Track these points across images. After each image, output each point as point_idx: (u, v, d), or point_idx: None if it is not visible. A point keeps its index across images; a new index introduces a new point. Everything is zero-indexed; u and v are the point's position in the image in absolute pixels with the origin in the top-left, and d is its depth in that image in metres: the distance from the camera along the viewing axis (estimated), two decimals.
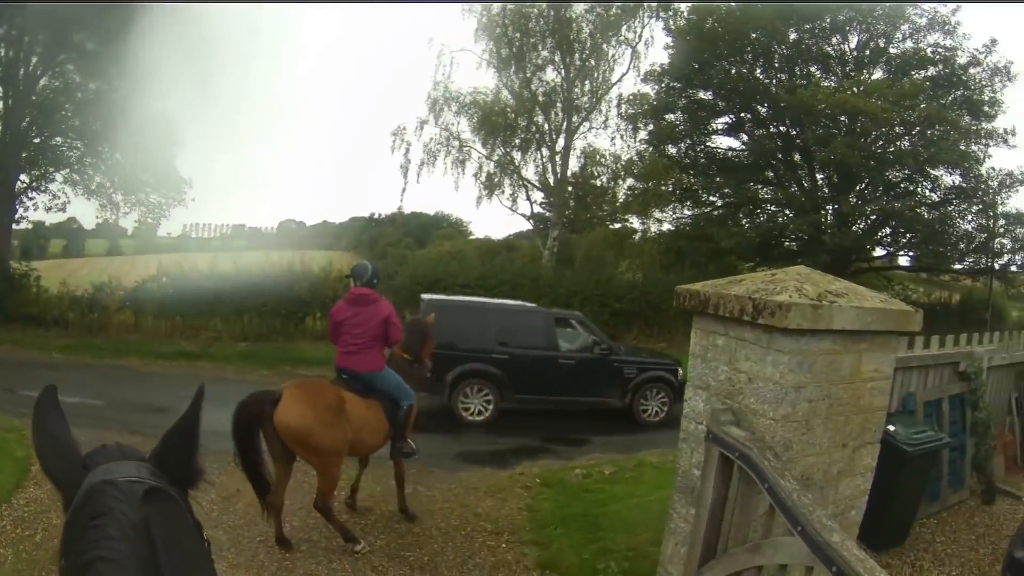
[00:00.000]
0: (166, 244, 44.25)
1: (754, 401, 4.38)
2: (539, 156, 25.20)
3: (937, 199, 24.42)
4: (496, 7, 23.72)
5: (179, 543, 1.34)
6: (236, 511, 7.06)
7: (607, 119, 25.60)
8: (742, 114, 26.22)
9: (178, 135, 21.58)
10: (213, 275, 20.02)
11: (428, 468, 9.27)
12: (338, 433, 6.39)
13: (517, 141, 24.74)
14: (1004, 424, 9.16)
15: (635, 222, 27.52)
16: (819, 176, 25.34)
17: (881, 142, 23.15)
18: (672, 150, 26.90)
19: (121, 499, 1.31)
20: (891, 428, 6.32)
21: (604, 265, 24.91)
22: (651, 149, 26.31)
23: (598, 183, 26.59)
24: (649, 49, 25.17)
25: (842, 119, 23.07)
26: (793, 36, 24.47)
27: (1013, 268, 25.00)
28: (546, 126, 24.86)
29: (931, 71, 23.46)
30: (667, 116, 26.60)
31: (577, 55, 24.02)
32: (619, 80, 25.13)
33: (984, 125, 23.13)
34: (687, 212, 27.59)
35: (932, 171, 23.59)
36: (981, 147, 23.07)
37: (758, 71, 25.52)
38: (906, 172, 23.77)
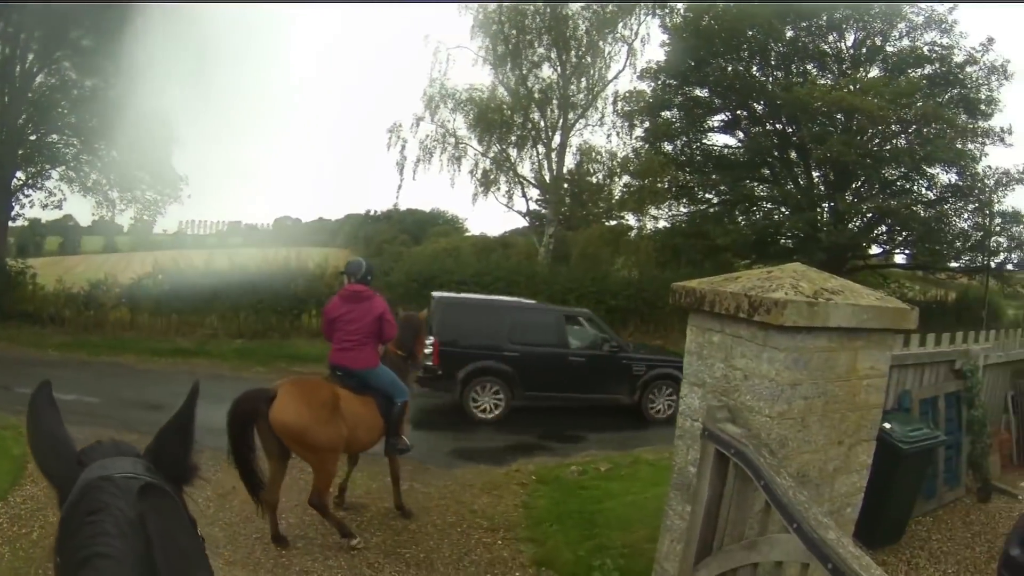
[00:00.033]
0: (162, 241, 44.30)
1: (750, 398, 4.39)
2: (535, 153, 25.22)
3: (933, 197, 24.41)
4: (492, 4, 23.73)
5: (175, 539, 1.33)
6: (232, 508, 7.06)
7: (603, 116, 25.62)
8: (738, 111, 26.23)
9: (174, 132, 21.55)
10: (209, 272, 20.05)
11: (424, 465, 9.27)
12: (334, 430, 6.39)
13: (513, 138, 24.68)
14: (1000, 422, 9.20)
15: (631, 219, 27.50)
16: (815, 174, 25.33)
17: (877, 140, 23.14)
18: (668, 147, 26.90)
19: (117, 495, 1.31)
20: (887, 426, 6.33)
21: (600, 262, 24.91)
22: (647, 146, 26.29)
23: (594, 180, 26.51)
24: (645, 46, 25.11)
25: (838, 117, 23.06)
26: (790, 34, 24.48)
27: (1009, 266, 25.03)
28: (542, 123, 24.83)
29: (928, 69, 23.47)
30: (663, 113, 26.60)
31: (573, 52, 23.98)
32: (615, 77, 25.16)
33: (980, 123, 23.14)
34: (683, 209, 27.61)
35: (928, 169, 23.60)
36: (977, 145, 23.09)
37: (754, 68, 25.53)
38: (902, 170, 23.77)
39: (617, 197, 26.40)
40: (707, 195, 27.37)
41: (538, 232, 26.22)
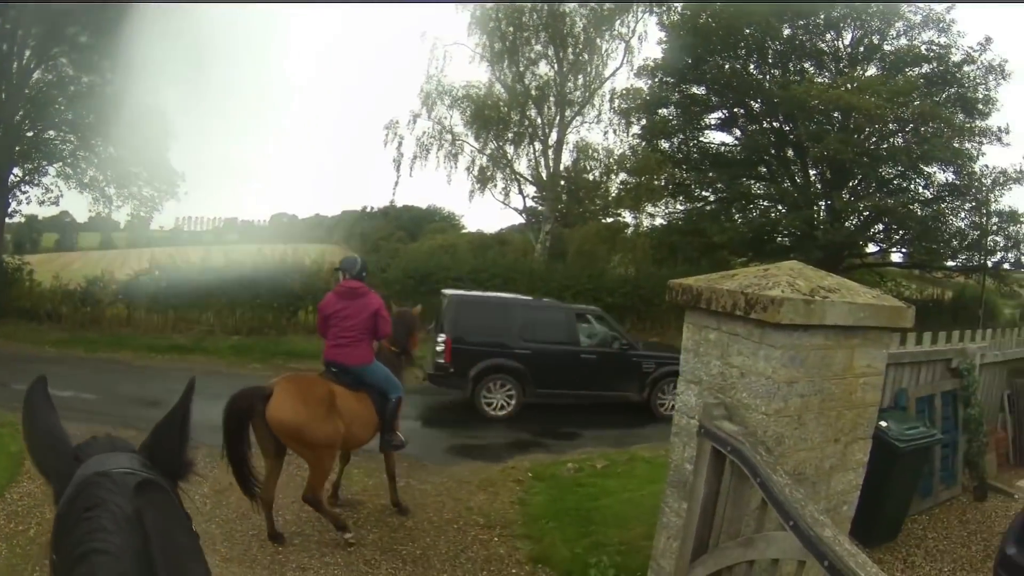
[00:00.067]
0: (159, 237, 44.10)
1: (746, 396, 4.39)
2: (532, 150, 25.17)
3: (930, 196, 24.35)
4: (490, 3, 23.70)
5: (172, 535, 1.33)
6: (229, 505, 7.06)
7: (600, 114, 25.59)
8: (735, 109, 26.18)
9: (171, 128, 21.50)
10: (206, 268, 20.00)
11: (420, 462, 9.30)
12: (331, 427, 6.40)
13: (510, 135, 24.65)
14: (996, 421, 9.22)
15: (627, 217, 27.43)
16: (812, 172, 25.28)
17: (874, 139, 23.12)
18: (665, 145, 26.83)
19: (114, 491, 1.30)
20: (883, 424, 6.34)
21: (596, 259, 24.86)
22: (644, 144, 26.21)
23: (591, 177, 26.48)
24: (643, 44, 25.21)
25: (835, 115, 23.03)
26: (787, 32, 24.41)
27: (1006, 266, 24.99)
28: (539, 120, 24.79)
29: (925, 68, 23.41)
30: (660, 111, 26.52)
31: (570, 49, 23.95)
32: (612, 75, 25.14)
33: (978, 123, 23.10)
34: (680, 207, 27.50)
35: (925, 168, 23.53)
36: (975, 145, 23.02)
37: (752, 67, 25.47)
38: (899, 169, 23.73)
39: (614, 194, 26.38)
40: (704, 193, 27.30)
41: (534, 229, 26.19)
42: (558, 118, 24.79)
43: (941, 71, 23.13)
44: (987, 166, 23.20)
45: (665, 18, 25.04)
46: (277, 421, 6.17)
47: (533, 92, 24.41)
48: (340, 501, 7.56)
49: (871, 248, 26.43)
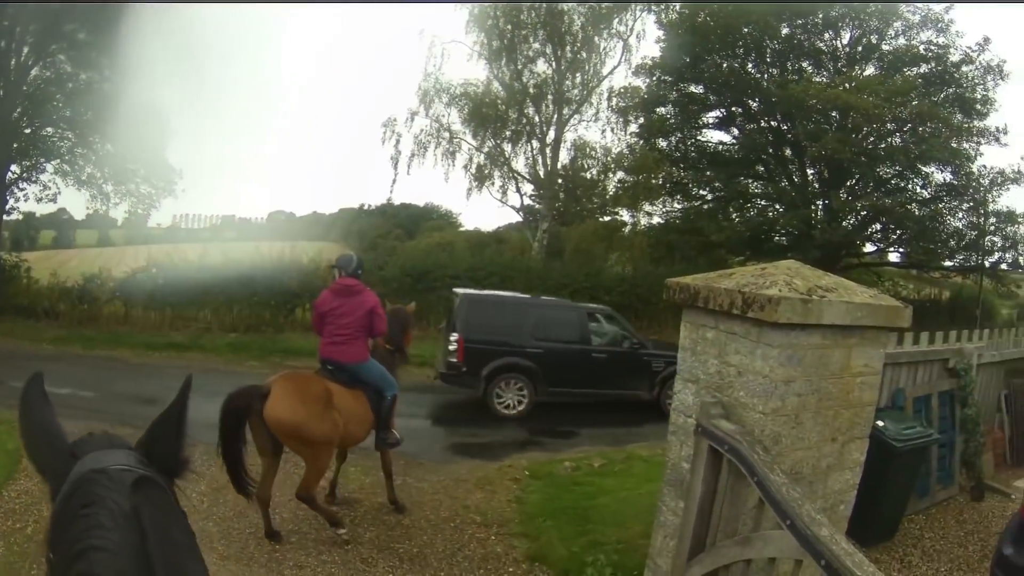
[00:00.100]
0: (156, 235, 43.97)
1: (744, 395, 4.39)
2: (529, 148, 25.15)
3: (928, 196, 24.39)
4: (489, 2, 23.68)
5: (169, 532, 1.33)
6: (226, 503, 7.04)
7: (598, 112, 25.55)
8: (733, 108, 26.21)
9: (169, 126, 21.49)
10: (203, 266, 19.99)
11: (417, 460, 9.30)
12: (330, 424, 6.40)
13: (507, 133, 24.62)
14: (993, 421, 9.22)
15: (625, 215, 27.48)
16: (810, 171, 25.31)
17: (872, 138, 23.13)
18: (663, 144, 26.84)
19: (112, 488, 1.30)
20: (880, 423, 6.34)
21: (594, 258, 24.88)
22: (642, 142, 26.22)
23: (588, 176, 26.56)
24: (641, 42, 24.98)
25: (833, 115, 23.07)
26: (785, 31, 24.42)
27: (1003, 266, 25.02)
28: (537, 118, 24.78)
29: (923, 68, 23.43)
30: (658, 109, 26.54)
31: (568, 47, 23.94)
32: (610, 73, 25.10)
33: (976, 123, 23.12)
34: (677, 206, 27.55)
35: (923, 168, 23.57)
36: (973, 145, 23.06)
37: (750, 66, 25.49)
38: (897, 168, 23.78)
39: (611, 193, 26.46)
40: (701, 191, 27.35)
41: (532, 227, 26.18)
42: (556, 116, 24.77)
43: (939, 71, 23.16)
44: (985, 166, 23.30)
45: (663, 16, 25.07)
46: (275, 420, 6.16)
47: (531, 90, 24.40)
48: (337, 499, 7.56)
49: (869, 248, 26.51)
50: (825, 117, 23.25)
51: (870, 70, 24.53)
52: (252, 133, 71.59)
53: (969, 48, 22.92)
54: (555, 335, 13.13)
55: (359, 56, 79.63)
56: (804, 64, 25.17)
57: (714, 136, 27.41)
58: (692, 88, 26.32)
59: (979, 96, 23.05)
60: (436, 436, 11.15)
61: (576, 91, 24.79)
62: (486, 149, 24.85)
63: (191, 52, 20.15)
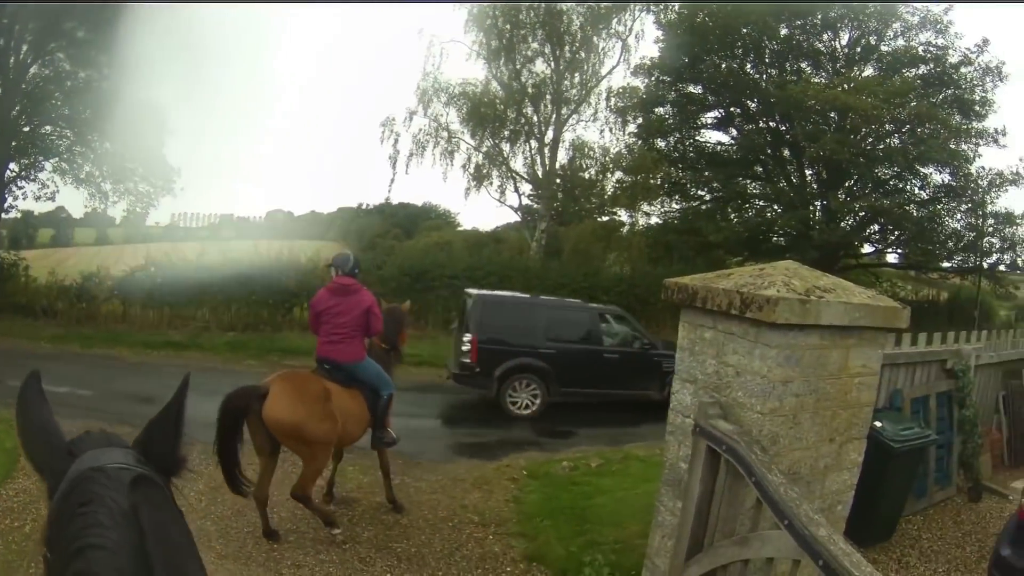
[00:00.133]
0: (154, 233, 43.95)
1: (742, 395, 4.39)
2: (528, 148, 25.09)
3: (926, 197, 24.43)
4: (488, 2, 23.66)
5: (167, 531, 1.33)
6: (224, 502, 7.03)
7: (596, 112, 25.47)
8: (732, 109, 26.23)
9: (167, 124, 21.47)
10: (201, 265, 19.96)
11: (415, 459, 9.29)
12: (329, 424, 6.40)
13: (506, 133, 24.57)
14: (991, 422, 9.24)
15: (623, 215, 27.46)
16: (808, 172, 25.34)
17: (871, 139, 23.16)
18: (661, 144, 26.85)
19: (110, 486, 1.30)
20: (878, 424, 6.35)
21: (592, 258, 24.87)
22: (640, 142, 26.20)
23: (586, 176, 26.56)
24: (639, 42, 24.94)
25: (832, 115, 23.09)
26: (784, 32, 24.44)
27: (1001, 267, 25.09)
28: (535, 118, 24.72)
29: (922, 69, 23.45)
30: (656, 110, 26.55)
31: (567, 47, 23.90)
32: (609, 73, 25.03)
33: (974, 124, 23.15)
34: (675, 206, 27.58)
35: (922, 169, 23.62)
36: (971, 146, 23.10)
37: (748, 66, 25.51)
38: (895, 169, 23.81)
39: (609, 193, 26.47)
40: (700, 192, 27.36)
41: (530, 227, 26.17)
42: (554, 116, 24.73)
43: (938, 72, 23.19)
44: (983, 168, 23.35)
45: (662, 17, 25.04)
46: (274, 420, 6.16)
47: (529, 90, 24.35)
48: (335, 499, 7.56)
49: (867, 248, 26.56)
50: (824, 118, 23.27)
51: (869, 71, 24.57)
52: (250, 132, 71.58)
53: (968, 49, 22.99)
54: (567, 336, 13.24)
55: (358, 56, 79.70)
56: (803, 65, 25.19)
57: (712, 136, 27.49)
58: (691, 88, 26.35)
59: (978, 97, 23.09)
60: (434, 436, 11.13)
61: (575, 91, 24.74)
62: (484, 149, 24.82)
63: (190, 51, 20.18)
